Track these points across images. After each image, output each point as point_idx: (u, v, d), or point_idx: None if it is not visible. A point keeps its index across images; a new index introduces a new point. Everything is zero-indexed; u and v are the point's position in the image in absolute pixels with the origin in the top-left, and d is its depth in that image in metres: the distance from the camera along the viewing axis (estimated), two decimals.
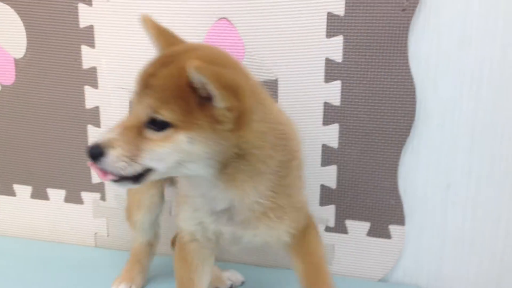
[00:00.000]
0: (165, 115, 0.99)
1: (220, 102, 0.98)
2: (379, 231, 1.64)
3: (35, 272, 1.66)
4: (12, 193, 1.87)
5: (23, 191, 1.87)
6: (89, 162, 1.01)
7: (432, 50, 1.50)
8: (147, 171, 1.03)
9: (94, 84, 1.71)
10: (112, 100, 1.71)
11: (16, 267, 1.69)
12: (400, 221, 1.62)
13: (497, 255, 1.60)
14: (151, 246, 1.61)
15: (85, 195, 1.82)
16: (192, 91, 0.99)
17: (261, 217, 1.15)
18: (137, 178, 1.03)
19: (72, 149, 1.79)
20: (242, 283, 1.61)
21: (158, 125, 1.00)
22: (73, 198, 1.84)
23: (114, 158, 0.99)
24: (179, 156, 1.02)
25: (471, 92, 1.51)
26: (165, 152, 1.01)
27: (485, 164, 1.55)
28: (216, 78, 0.95)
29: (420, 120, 1.54)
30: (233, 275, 1.60)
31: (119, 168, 1.00)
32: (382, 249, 1.65)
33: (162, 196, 1.53)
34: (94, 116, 1.74)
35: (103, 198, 1.81)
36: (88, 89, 1.72)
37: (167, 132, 1.00)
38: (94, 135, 1.75)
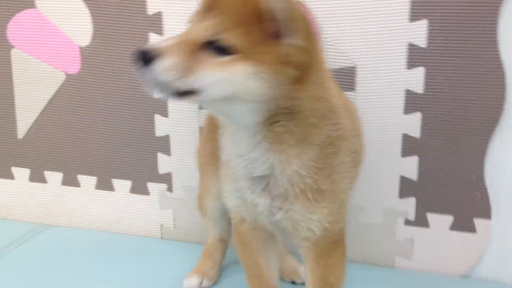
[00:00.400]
0: (230, 40, 0.92)
1: (297, 40, 0.91)
2: (463, 224, 1.55)
3: (100, 263, 1.63)
4: (77, 184, 1.85)
5: (87, 181, 1.84)
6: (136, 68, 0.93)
7: None
8: (191, 92, 0.94)
9: None
10: None
11: (81, 258, 1.67)
12: (486, 214, 1.53)
13: None
14: (223, 241, 1.56)
15: (151, 186, 1.78)
16: (263, 21, 0.92)
17: (299, 195, 1.06)
18: (179, 94, 0.95)
19: (138, 139, 1.74)
20: None
21: (218, 49, 0.93)
22: (139, 189, 1.80)
23: (166, 66, 0.90)
24: (233, 87, 0.93)
25: None
26: (220, 79, 0.93)
27: None
28: (301, 15, 0.90)
29: (510, 109, 1.45)
30: None
31: (168, 77, 0.91)
32: (465, 243, 1.56)
33: None
34: (161, 106, 1.69)
35: (169, 189, 1.77)
36: None
37: (227, 58, 0.92)
38: (161, 124, 1.71)
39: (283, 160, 1.03)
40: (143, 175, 1.78)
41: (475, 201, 1.53)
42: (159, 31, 1.62)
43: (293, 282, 1.52)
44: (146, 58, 0.90)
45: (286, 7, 0.89)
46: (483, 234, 1.55)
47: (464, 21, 1.41)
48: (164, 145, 1.72)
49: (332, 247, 1.14)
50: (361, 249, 1.64)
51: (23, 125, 1.83)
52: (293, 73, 0.94)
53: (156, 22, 1.61)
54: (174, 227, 1.80)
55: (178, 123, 1.69)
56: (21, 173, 1.89)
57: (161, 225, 1.81)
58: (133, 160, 1.77)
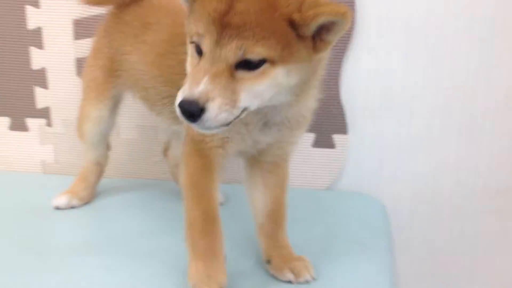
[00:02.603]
0: (261, 52, 0.91)
1: (338, 32, 0.95)
2: (323, 141, 1.63)
3: None
4: None
5: None
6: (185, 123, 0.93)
7: None
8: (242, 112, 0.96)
9: (36, 4, 1.61)
10: (55, 20, 1.61)
11: None
12: (343, 130, 1.61)
13: (434, 158, 1.63)
14: (99, 165, 1.55)
15: (30, 121, 1.73)
16: (288, 23, 0.93)
17: (296, 126, 1.15)
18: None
19: (14, 74, 1.68)
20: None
21: (251, 64, 0.93)
22: (18, 125, 1.74)
23: (216, 111, 0.90)
24: (275, 90, 0.96)
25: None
26: (262, 89, 0.94)
27: (420, 69, 1.56)
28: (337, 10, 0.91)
29: (359, 29, 1.54)
30: None
31: (222, 118, 0.91)
32: (327, 158, 1.65)
33: (112, 112, 1.47)
34: (36, 37, 1.64)
35: (49, 124, 1.72)
36: (29, 9, 1.62)
37: (263, 68, 0.93)
38: (37, 57, 1.66)
39: (295, 109, 1.09)
40: (21, 111, 1.72)
41: (333, 118, 1.61)
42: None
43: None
44: (195, 112, 0.89)
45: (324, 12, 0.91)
46: (341, 149, 1.64)
47: None
48: (40, 78, 1.68)
49: (288, 158, 1.26)
50: (229, 171, 1.67)
51: None
52: (325, 54, 1.03)
53: None
54: (56, 163, 1.76)
55: (54, 55, 1.65)
56: None
57: (43, 161, 1.76)
58: (9, 95, 1.71)
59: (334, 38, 0.97)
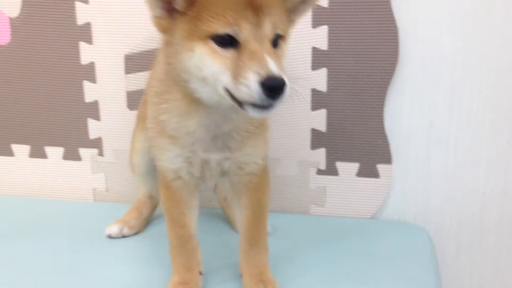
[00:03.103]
0: (283, 28, 1.00)
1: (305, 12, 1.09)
2: (368, 171, 1.63)
3: (34, 227, 1.60)
4: (11, 153, 1.83)
5: (21, 150, 1.82)
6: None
7: None
8: None
9: (89, 40, 1.67)
10: (107, 55, 1.67)
11: (15, 224, 1.63)
12: (387, 160, 1.61)
13: (479, 189, 1.61)
14: (152, 198, 1.60)
15: (83, 151, 1.78)
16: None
17: (251, 136, 1.15)
18: None
19: (69, 106, 1.74)
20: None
21: (277, 40, 0.99)
22: (71, 155, 1.79)
23: (289, 85, 0.93)
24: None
25: (450, 32, 1.51)
26: (283, 63, 1.02)
27: (465, 101, 1.55)
28: None
29: (403, 62, 1.54)
30: None
31: (289, 92, 0.95)
32: (371, 188, 1.64)
33: None
34: (89, 72, 1.69)
35: (100, 153, 1.77)
36: (83, 45, 1.68)
37: (280, 45, 1.01)
38: (90, 90, 1.71)
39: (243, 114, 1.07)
40: (74, 141, 1.77)
41: (377, 148, 1.61)
42: (85, 0, 1.63)
43: None
44: (283, 86, 0.91)
45: None
46: (385, 179, 1.63)
47: None
48: (93, 110, 1.73)
49: (265, 174, 1.24)
50: (278, 200, 1.69)
51: None
52: None
53: None
54: (107, 190, 1.81)
55: (106, 88, 1.70)
56: None
57: (94, 189, 1.81)
58: (64, 127, 1.76)
59: (298, 17, 1.09)
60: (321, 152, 1.63)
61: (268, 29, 0.96)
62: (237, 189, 1.24)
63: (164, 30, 1.03)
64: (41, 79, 1.73)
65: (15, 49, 1.72)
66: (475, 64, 1.52)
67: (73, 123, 1.75)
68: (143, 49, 1.64)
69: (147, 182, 1.57)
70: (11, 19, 1.69)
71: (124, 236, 1.53)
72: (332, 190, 1.66)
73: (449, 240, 1.65)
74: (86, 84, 1.71)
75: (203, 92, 1.02)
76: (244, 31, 0.94)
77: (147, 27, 1.54)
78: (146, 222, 1.60)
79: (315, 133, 1.62)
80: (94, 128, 1.75)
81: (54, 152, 1.80)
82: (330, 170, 1.65)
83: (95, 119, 1.73)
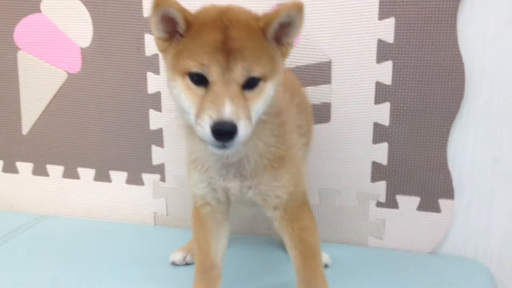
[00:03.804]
0: (259, 70, 1.00)
1: (296, 29, 1.05)
2: (429, 205, 1.59)
3: (97, 249, 1.63)
4: (77, 176, 1.86)
5: (86, 174, 1.85)
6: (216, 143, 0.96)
7: (480, 30, 1.46)
8: None
9: (156, 71, 1.69)
10: None
11: (79, 244, 1.67)
12: (450, 195, 1.57)
13: None
14: None
15: (145, 176, 1.80)
16: (263, 36, 1.03)
17: (267, 166, 1.14)
18: None
19: (134, 133, 1.77)
20: (326, 265, 1.49)
21: (252, 83, 1.01)
22: (134, 179, 1.82)
23: (245, 128, 0.96)
24: (265, 105, 1.04)
25: None
26: (261, 104, 1.02)
27: None
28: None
29: (469, 98, 1.51)
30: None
31: (247, 135, 0.97)
32: (431, 222, 1.60)
33: None
34: (155, 101, 1.72)
35: (162, 179, 1.79)
36: (150, 75, 1.70)
37: (260, 85, 1.02)
38: (155, 118, 1.73)
39: (255, 138, 1.10)
40: (138, 167, 1.80)
41: (439, 183, 1.57)
42: None
43: None
44: (233, 132, 0.94)
45: (297, 11, 1.01)
46: (447, 214, 1.59)
47: (427, 18, 1.47)
48: (157, 137, 1.75)
49: (300, 210, 1.21)
50: (336, 231, 1.67)
51: (27, 122, 1.85)
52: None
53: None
54: (167, 215, 1.82)
55: (171, 116, 1.70)
56: (25, 167, 1.90)
57: (155, 213, 1.83)
58: (129, 152, 1.80)
59: (293, 38, 1.07)
60: (382, 185, 1.61)
61: (238, 73, 0.99)
62: (275, 226, 1.23)
63: (161, 50, 1.09)
64: (109, 107, 1.77)
65: (85, 78, 1.76)
66: None
67: (138, 149, 1.78)
68: None
69: None
70: (82, 48, 1.74)
71: (187, 264, 1.53)
72: (392, 223, 1.63)
73: (509, 279, 1.60)
74: (152, 112, 1.73)
75: (185, 120, 1.08)
76: (213, 73, 0.98)
77: None
78: None
79: (375, 165, 1.60)
80: (157, 155, 1.77)
81: (118, 176, 1.83)
82: (390, 203, 1.62)
83: (159, 146, 1.76)
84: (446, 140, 1.54)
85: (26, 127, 1.86)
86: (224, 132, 0.94)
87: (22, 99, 1.83)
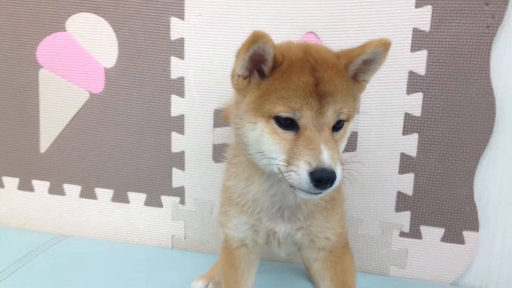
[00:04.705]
0: (346, 112, 0.97)
1: (377, 66, 1.04)
2: (453, 236, 1.55)
3: (114, 271, 1.57)
4: (94, 196, 1.79)
5: (104, 194, 1.79)
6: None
7: (511, 64, 1.44)
8: None
9: (181, 94, 1.64)
10: (198, 109, 1.64)
11: (97, 267, 1.60)
12: (475, 227, 1.53)
13: None
14: None
15: (165, 198, 1.74)
16: (348, 78, 1.00)
17: (321, 208, 1.11)
18: None
19: (156, 155, 1.71)
20: None
21: (337, 125, 0.98)
22: (153, 201, 1.76)
23: (341, 173, 0.92)
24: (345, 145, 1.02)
25: None
26: (343, 146, 1.01)
27: None
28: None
29: (498, 132, 1.47)
30: None
31: (341, 180, 0.93)
32: (455, 254, 1.56)
33: None
34: (178, 124, 1.67)
35: (182, 202, 1.73)
36: (174, 98, 1.65)
37: (344, 127, 0.99)
38: (177, 141, 1.68)
39: None
40: (157, 189, 1.74)
41: (464, 215, 1.54)
42: (180, 55, 1.61)
43: None
44: (332, 179, 0.91)
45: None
46: (471, 246, 1.55)
47: (460, 51, 1.44)
48: (179, 160, 1.69)
49: (343, 251, 1.17)
50: (359, 259, 1.62)
51: (45, 140, 1.78)
52: None
53: (178, 47, 1.61)
54: (185, 238, 1.76)
55: (193, 140, 1.67)
56: (41, 186, 1.83)
57: (172, 236, 1.77)
58: (149, 174, 1.74)
59: (372, 76, 1.05)
60: (406, 215, 1.57)
61: (330, 117, 0.95)
62: (316, 268, 1.19)
63: (238, 90, 1.03)
64: (131, 128, 1.71)
65: (107, 98, 1.70)
66: None
67: (158, 171, 1.72)
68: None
69: None
70: (106, 69, 1.68)
71: None
72: (415, 253, 1.59)
73: None
74: (174, 135, 1.68)
75: (260, 161, 1.01)
76: (305, 118, 0.94)
77: None
78: None
79: (400, 196, 1.56)
80: (178, 177, 1.71)
81: (137, 198, 1.76)
82: (414, 233, 1.58)
83: (180, 168, 1.70)
84: (474, 173, 1.50)
85: (44, 146, 1.79)
86: (325, 179, 0.89)
87: (42, 117, 1.77)
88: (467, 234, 1.55)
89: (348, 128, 1.01)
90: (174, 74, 1.63)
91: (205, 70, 1.60)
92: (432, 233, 1.57)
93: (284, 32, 1.51)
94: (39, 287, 1.46)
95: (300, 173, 0.90)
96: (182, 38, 1.60)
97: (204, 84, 1.62)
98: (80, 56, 1.69)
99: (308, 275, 1.56)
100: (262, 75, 0.99)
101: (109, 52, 1.67)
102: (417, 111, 1.49)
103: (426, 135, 1.50)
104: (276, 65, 0.96)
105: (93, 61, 1.69)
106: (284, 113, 0.94)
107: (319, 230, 1.11)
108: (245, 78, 1.00)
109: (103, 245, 1.77)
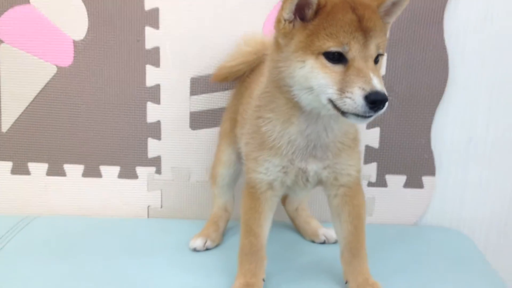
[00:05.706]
0: (383, 47, 1.06)
1: (400, 10, 1.13)
2: (413, 182, 1.71)
3: (89, 247, 1.51)
4: (63, 173, 1.71)
5: (74, 170, 1.71)
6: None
7: (461, 26, 1.60)
8: None
9: (156, 63, 1.62)
10: (174, 78, 1.63)
11: (71, 244, 1.52)
12: (432, 172, 1.70)
13: (506, 200, 1.74)
14: (227, 211, 1.59)
15: (140, 169, 1.71)
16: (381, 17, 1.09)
17: (346, 146, 1.19)
18: None
19: (130, 127, 1.67)
20: (336, 241, 1.52)
21: (376, 58, 1.06)
22: (127, 173, 1.72)
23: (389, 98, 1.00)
24: None
25: (491, 59, 1.63)
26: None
27: (500, 122, 1.68)
28: None
29: (450, 86, 1.64)
30: (328, 232, 1.56)
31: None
32: (415, 197, 1.72)
33: (238, 158, 1.50)
34: (154, 94, 1.65)
35: (158, 171, 1.71)
36: (149, 68, 1.63)
37: (380, 61, 1.08)
38: (153, 111, 1.66)
39: (341, 125, 1.16)
40: (132, 160, 1.71)
41: (423, 162, 1.70)
42: (155, 25, 1.59)
43: (313, 241, 1.57)
44: (384, 103, 1.00)
45: None
46: (429, 189, 1.72)
47: (417, 12, 1.58)
48: (154, 130, 1.68)
49: (358, 188, 1.27)
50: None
51: (7, 119, 1.67)
52: None
53: (152, 17, 1.59)
54: (161, 207, 1.75)
55: (169, 109, 1.66)
56: (2, 167, 1.71)
57: (148, 206, 1.75)
58: (123, 147, 1.70)
59: (394, 18, 1.14)
60: (373, 166, 1.69)
61: (372, 50, 1.05)
62: (335, 204, 1.27)
63: (284, 34, 1.08)
64: (103, 102, 1.66)
65: (77, 71, 1.63)
66: (510, 88, 1.65)
67: (133, 142, 1.69)
68: (208, 73, 1.62)
69: (225, 195, 1.58)
70: (75, 41, 1.61)
71: (207, 249, 1.50)
72: (381, 200, 1.72)
73: (479, 243, 1.75)
74: (150, 105, 1.66)
75: (305, 99, 1.08)
76: (353, 51, 1.03)
77: (213, 52, 1.59)
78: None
79: (368, 149, 1.68)
80: (153, 147, 1.69)
81: (109, 171, 1.72)
82: (380, 182, 1.71)
83: (155, 138, 1.68)
84: (430, 124, 1.66)
85: (5, 125, 1.67)
86: (379, 101, 0.98)
87: (3, 94, 1.65)
88: (425, 179, 1.71)
89: (382, 63, 1.12)
90: (149, 44, 1.60)
91: (181, 39, 1.60)
92: (395, 181, 1.71)
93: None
94: (22, 270, 1.36)
95: (356, 98, 0.98)
96: (157, 8, 1.58)
97: (180, 53, 1.61)
98: (46, 29, 1.60)
99: (293, 226, 1.64)
100: (302, 19, 1.06)
101: (78, 23, 1.60)
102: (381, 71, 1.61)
103: (388, 92, 1.61)
104: (319, 7, 1.04)
105: (60, 33, 1.60)
106: (334, 47, 1.02)
107: (343, 168, 1.20)
108: (290, 22, 1.06)
109: (77, 222, 1.68)
